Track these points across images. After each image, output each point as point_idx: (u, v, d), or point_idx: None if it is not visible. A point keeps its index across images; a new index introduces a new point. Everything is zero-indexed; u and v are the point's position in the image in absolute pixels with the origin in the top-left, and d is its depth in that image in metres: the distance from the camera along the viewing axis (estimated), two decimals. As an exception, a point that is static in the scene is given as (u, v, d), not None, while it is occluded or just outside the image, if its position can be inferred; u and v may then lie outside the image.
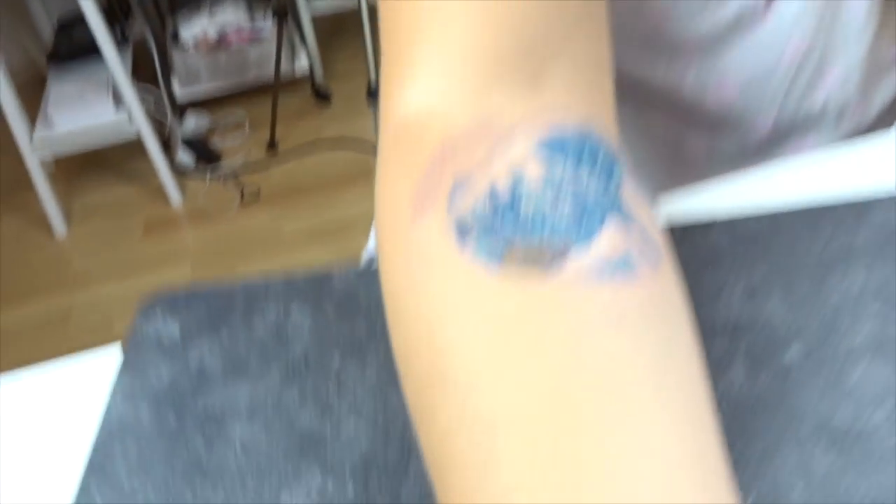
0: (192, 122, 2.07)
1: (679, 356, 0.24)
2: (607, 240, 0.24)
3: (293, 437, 0.32)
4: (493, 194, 0.25)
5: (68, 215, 1.94)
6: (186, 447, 0.32)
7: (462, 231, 0.25)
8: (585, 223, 0.25)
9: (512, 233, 0.24)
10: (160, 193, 1.93)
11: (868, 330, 0.33)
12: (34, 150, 1.77)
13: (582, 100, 0.30)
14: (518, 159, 0.26)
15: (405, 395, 0.24)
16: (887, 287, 0.35)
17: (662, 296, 0.25)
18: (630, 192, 0.27)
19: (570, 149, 0.27)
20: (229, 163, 2.01)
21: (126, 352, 0.37)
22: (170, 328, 0.38)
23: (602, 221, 0.25)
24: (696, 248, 0.40)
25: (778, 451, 0.30)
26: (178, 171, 1.97)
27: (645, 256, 0.25)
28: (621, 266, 0.24)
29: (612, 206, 0.26)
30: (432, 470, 0.23)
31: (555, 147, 0.27)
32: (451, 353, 0.24)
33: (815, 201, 0.40)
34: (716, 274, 0.38)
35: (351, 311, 0.38)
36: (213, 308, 0.39)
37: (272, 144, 2.02)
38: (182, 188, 1.95)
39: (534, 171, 0.25)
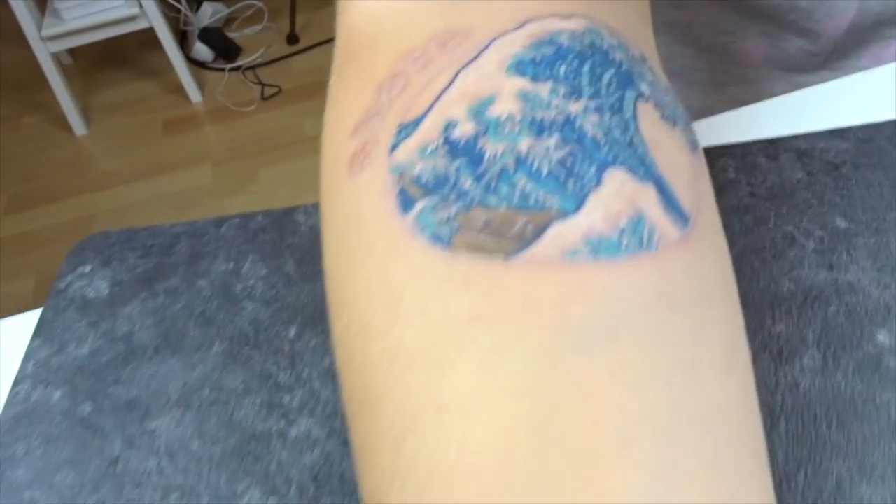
0: (208, 12, 1.95)
1: (710, 389, 0.17)
2: (607, 204, 0.17)
3: (230, 440, 0.25)
4: (447, 138, 0.19)
5: (87, 114, 1.88)
6: (101, 449, 0.26)
7: (404, 191, 0.18)
8: (575, 180, 0.18)
9: (469, 195, 0.18)
10: (179, 90, 1.85)
11: None
12: (45, 43, 1.69)
13: None
14: (485, 82, 0.19)
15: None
16: None
17: (687, 283, 0.18)
18: (652, 121, 0.20)
19: (563, 63, 0.20)
20: (248, 57, 1.91)
21: (43, 314, 0.31)
22: (97, 285, 0.31)
23: (600, 176, 0.18)
24: (751, 178, 0.31)
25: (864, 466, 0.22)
26: (195, 65, 1.87)
27: (663, 225, 0.18)
28: (625, 242, 0.17)
29: (619, 151, 0.19)
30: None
31: (540, 61, 0.20)
32: (387, 374, 0.16)
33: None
34: (783, 218, 0.29)
35: (315, 266, 0.30)
36: (150, 259, 0.32)
37: (292, 36, 1.90)
38: (201, 84, 1.86)
39: (505, 102, 0.19)
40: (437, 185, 0.18)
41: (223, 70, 1.89)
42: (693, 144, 0.21)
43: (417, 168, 0.19)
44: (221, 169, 1.71)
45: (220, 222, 0.33)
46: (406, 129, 0.20)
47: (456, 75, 0.20)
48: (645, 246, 0.17)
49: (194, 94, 1.84)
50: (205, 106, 1.85)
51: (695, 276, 0.18)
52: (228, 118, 1.80)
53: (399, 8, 0.23)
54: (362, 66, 0.22)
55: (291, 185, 1.59)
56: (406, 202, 0.18)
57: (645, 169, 0.19)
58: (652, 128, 0.20)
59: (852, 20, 0.37)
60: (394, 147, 0.19)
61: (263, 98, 1.81)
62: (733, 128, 0.34)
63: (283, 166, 1.66)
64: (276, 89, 1.82)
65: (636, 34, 0.24)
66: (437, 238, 0.17)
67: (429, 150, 0.19)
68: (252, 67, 1.88)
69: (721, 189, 0.30)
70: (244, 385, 0.27)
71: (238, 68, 1.88)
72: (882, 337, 0.25)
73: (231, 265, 0.31)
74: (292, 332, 0.28)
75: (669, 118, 0.21)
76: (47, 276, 1.49)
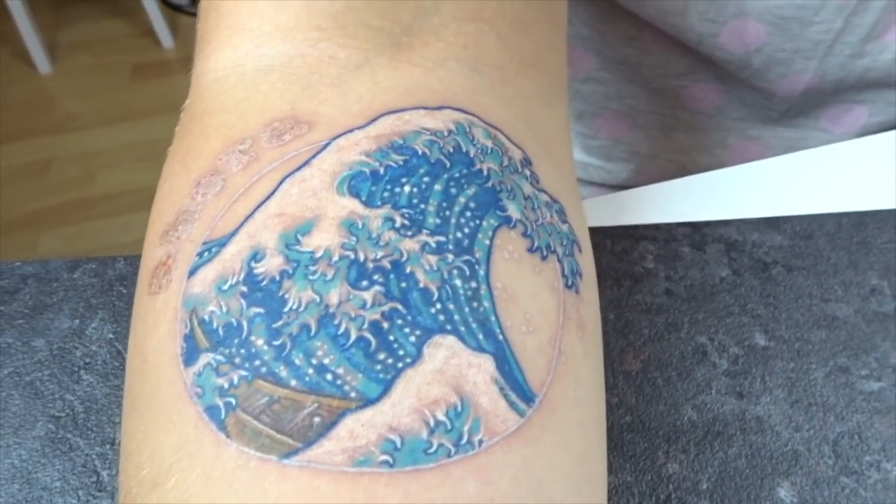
0: (186, -49, 1.85)
1: None
2: (420, 389, 0.14)
3: (29, 553, 0.22)
4: (249, 273, 0.15)
5: (52, 50, 1.80)
6: None
7: (191, 337, 0.15)
8: (388, 353, 0.14)
9: (257, 359, 0.15)
10: (150, 33, 1.77)
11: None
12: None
13: (468, 67, 0.19)
14: (308, 200, 0.16)
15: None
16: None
17: (516, 488, 0.14)
18: (513, 256, 0.16)
19: (409, 180, 0.17)
20: None
21: None
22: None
23: (420, 347, 0.15)
24: (670, 271, 0.27)
25: None
26: (170, 7, 1.79)
27: (496, 413, 0.14)
28: (435, 444, 0.14)
29: (453, 311, 0.15)
30: None
31: (381, 176, 0.16)
32: None
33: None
34: (698, 326, 0.25)
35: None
36: (-13, 306, 0.28)
37: (273, -16, 1.81)
38: (174, 29, 1.78)
39: (325, 231, 0.15)
40: (225, 337, 0.15)
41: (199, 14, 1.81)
42: (570, 278, 0.18)
43: (210, 307, 0.15)
44: (189, 121, 1.64)
45: (74, 265, 0.29)
46: (210, 250, 0.16)
47: (279, 184, 0.16)
48: (462, 446, 0.14)
49: (166, 38, 1.76)
50: (177, 52, 1.77)
51: (532, 473, 0.15)
52: (200, 67, 1.73)
53: (250, 73, 0.19)
54: (190, 148, 0.18)
55: (259, 145, 1.53)
56: (191, 352, 0.15)
57: (484, 334, 0.15)
58: (510, 267, 0.16)
59: (808, 83, 0.33)
60: (192, 271, 0.16)
61: (238, 49, 1.74)
62: (668, 199, 0.30)
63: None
64: (251, 41, 1.74)
65: (529, 123, 0.20)
66: (212, 410, 0.14)
67: (227, 284, 0.15)
68: (228, 15, 1.80)
69: (636, 280, 0.27)
70: (62, 482, 0.23)
71: (214, 15, 1.80)
72: (784, 492, 0.22)
73: (76, 323, 0.27)
74: (127, 417, 0.25)
75: (540, 248, 0.17)
76: (-5, 223, 1.44)
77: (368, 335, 0.14)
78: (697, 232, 0.28)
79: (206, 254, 0.16)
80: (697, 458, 0.23)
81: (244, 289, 0.15)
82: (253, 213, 0.16)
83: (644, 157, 0.39)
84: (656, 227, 0.28)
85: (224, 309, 0.15)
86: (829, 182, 0.29)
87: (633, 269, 0.27)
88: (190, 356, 0.15)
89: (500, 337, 0.15)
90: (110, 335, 0.27)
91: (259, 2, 0.19)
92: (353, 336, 0.14)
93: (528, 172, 0.18)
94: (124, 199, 1.48)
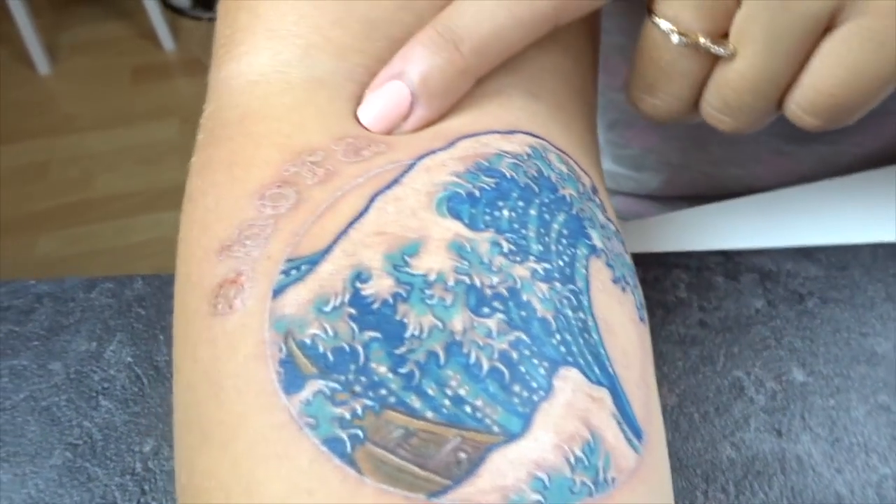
0: (189, -46, 1.85)
1: None
2: (558, 423, 0.14)
3: (47, 590, 0.21)
4: (356, 294, 0.14)
5: (52, 51, 1.79)
6: None
7: (290, 362, 0.14)
8: (522, 385, 0.14)
9: (383, 388, 0.14)
10: (151, 35, 1.76)
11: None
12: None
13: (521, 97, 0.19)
14: (409, 220, 0.15)
15: None
16: None
17: None
18: (604, 287, 0.16)
19: (505, 203, 0.16)
20: (228, 6, 1.81)
21: None
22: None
23: (550, 380, 0.14)
24: (704, 301, 0.27)
25: None
26: (172, 10, 1.78)
27: (620, 449, 0.14)
28: (578, 481, 0.14)
29: (572, 342, 0.15)
30: None
31: (478, 199, 0.16)
32: None
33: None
34: (734, 360, 0.25)
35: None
36: (1, 325, 0.27)
37: (276, -11, 1.81)
38: (175, 32, 1.77)
39: (435, 253, 0.15)
40: (338, 364, 0.14)
41: (201, 19, 1.80)
42: (640, 309, 0.17)
43: (311, 329, 0.14)
44: (190, 126, 1.63)
45: (90, 285, 0.28)
46: (298, 268, 0.15)
47: (371, 201, 0.16)
48: (600, 484, 0.13)
49: (167, 41, 1.75)
50: (178, 55, 1.76)
51: None
52: (203, 72, 1.72)
53: (298, 82, 0.18)
54: (237, 156, 0.17)
55: (260, 150, 1.53)
56: (292, 378, 0.14)
57: (600, 367, 0.15)
58: (604, 299, 0.16)
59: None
60: (279, 290, 0.15)
61: (239, 54, 1.73)
62: (699, 225, 0.29)
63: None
64: (253, 46, 1.74)
65: (585, 149, 0.20)
66: (333, 443, 0.13)
67: (330, 306, 0.14)
68: (230, 19, 1.79)
69: (669, 310, 0.26)
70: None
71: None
72: (826, 536, 0.21)
73: (94, 345, 0.27)
74: (147, 446, 0.24)
75: (620, 279, 0.17)
76: (-8, 225, 1.43)
77: (500, 366, 0.14)
78: (730, 261, 0.27)
79: (293, 272, 0.15)
80: (738, 498, 0.22)
81: (352, 311, 0.14)
82: (346, 230, 0.15)
83: (675, 167, 0.39)
84: (688, 254, 0.28)
85: (330, 332, 0.14)
86: (864, 211, 0.28)
87: (665, 299, 0.26)
88: (291, 383, 0.13)
89: (611, 370, 0.15)
90: (129, 358, 0.26)
91: (305, 6, 0.18)
92: (486, 366, 0.14)
93: (598, 200, 0.18)
94: (123, 201, 1.47)
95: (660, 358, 0.25)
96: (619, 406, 0.15)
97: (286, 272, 0.15)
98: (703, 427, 0.24)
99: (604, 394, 0.14)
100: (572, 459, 0.13)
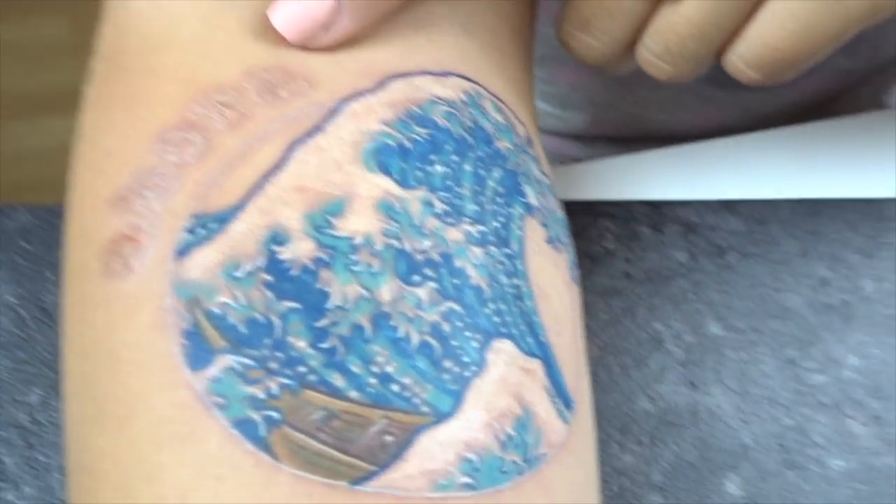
0: None
1: None
2: (489, 401, 0.13)
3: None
4: (272, 259, 0.13)
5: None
6: None
7: (197, 333, 0.12)
8: (454, 360, 0.13)
9: (302, 365, 0.13)
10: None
11: None
12: None
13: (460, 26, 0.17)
14: (333, 174, 0.14)
15: None
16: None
17: (566, 496, 0.14)
18: (539, 248, 0.16)
19: (438, 157, 0.15)
20: None
21: None
22: None
23: (483, 353, 0.13)
24: (630, 253, 0.26)
25: None
26: None
27: (550, 423, 0.14)
28: (508, 460, 0.13)
29: (506, 311, 0.14)
30: None
31: (409, 151, 0.14)
32: None
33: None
34: (655, 312, 0.25)
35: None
36: None
37: None
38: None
39: (362, 214, 0.14)
40: (251, 337, 0.12)
41: None
42: (573, 269, 0.17)
43: (221, 297, 0.12)
44: (82, 19, 1.50)
45: (-34, 214, 0.25)
46: (205, 226, 0.13)
47: (290, 151, 0.14)
48: (530, 461, 0.13)
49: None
50: None
51: (576, 482, 0.15)
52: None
53: (203, 7, 0.16)
54: (136, 92, 0.15)
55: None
56: (199, 352, 0.12)
57: (533, 336, 0.14)
58: (538, 262, 0.15)
59: None
60: (183, 251, 0.13)
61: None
62: (626, 174, 0.29)
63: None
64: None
65: (520, 95, 0.18)
66: (244, 425, 0.12)
67: (242, 271, 0.13)
68: None
69: (595, 261, 0.26)
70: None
71: None
72: (731, 486, 0.22)
73: (-30, 283, 0.24)
74: (34, 396, 0.22)
75: (555, 239, 0.16)
76: None
77: (431, 339, 0.13)
78: (656, 211, 0.27)
79: (200, 230, 0.13)
80: (652, 448, 0.23)
81: (267, 277, 0.13)
82: (261, 183, 0.13)
83: (601, 107, 0.38)
84: (616, 203, 0.27)
85: (243, 301, 0.12)
86: (786, 166, 0.29)
87: (592, 249, 0.26)
88: (197, 357, 0.12)
89: (544, 339, 0.14)
90: (12, 299, 0.24)
91: None
92: (416, 341, 0.13)
93: (532, 153, 0.17)
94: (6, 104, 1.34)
95: (584, 310, 0.25)
96: (551, 376, 0.14)
97: (191, 230, 0.13)
98: (621, 380, 0.24)
99: (536, 365, 0.14)
100: (503, 437, 0.13)
